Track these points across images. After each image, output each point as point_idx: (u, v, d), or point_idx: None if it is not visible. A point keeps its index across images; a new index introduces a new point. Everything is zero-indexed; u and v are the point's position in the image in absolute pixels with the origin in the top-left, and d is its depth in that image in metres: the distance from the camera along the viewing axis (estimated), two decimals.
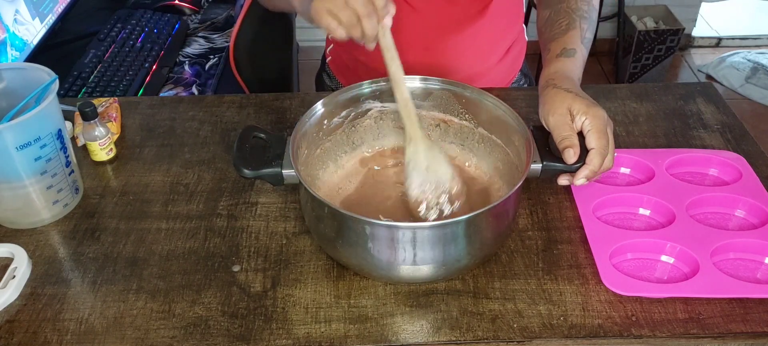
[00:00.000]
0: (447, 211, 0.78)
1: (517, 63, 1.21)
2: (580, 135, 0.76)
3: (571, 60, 0.84)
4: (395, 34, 0.75)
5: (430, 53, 1.08)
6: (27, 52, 1.26)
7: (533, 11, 2.62)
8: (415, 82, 0.85)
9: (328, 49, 1.23)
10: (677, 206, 0.83)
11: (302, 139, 0.79)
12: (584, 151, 0.75)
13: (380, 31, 0.74)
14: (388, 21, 0.74)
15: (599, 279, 0.75)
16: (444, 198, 0.79)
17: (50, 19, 1.38)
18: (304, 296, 0.73)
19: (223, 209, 0.85)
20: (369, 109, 0.86)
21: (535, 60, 2.76)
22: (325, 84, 1.26)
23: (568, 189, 0.87)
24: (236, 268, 0.77)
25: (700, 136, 0.98)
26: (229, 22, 1.59)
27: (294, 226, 0.82)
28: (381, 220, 0.72)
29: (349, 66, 1.18)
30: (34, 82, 0.80)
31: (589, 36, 0.89)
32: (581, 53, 0.86)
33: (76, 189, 0.86)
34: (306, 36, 2.75)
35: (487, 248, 0.73)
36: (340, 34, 0.73)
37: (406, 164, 0.79)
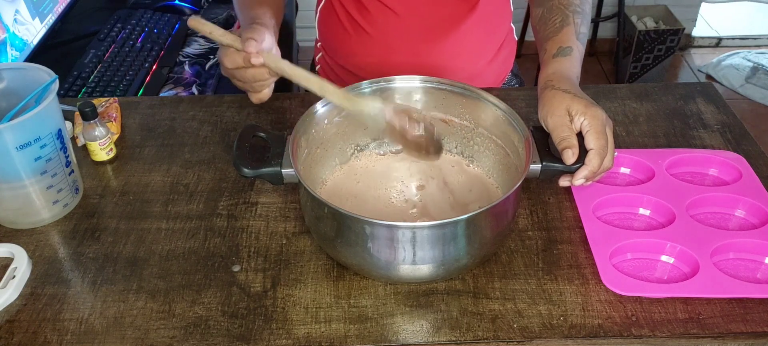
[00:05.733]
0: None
1: (507, 64, 1.21)
2: (580, 136, 0.76)
3: (568, 59, 0.84)
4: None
5: (420, 57, 1.08)
6: (27, 52, 1.26)
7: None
8: (415, 82, 0.85)
9: (318, 56, 1.24)
10: (677, 206, 0.83)
11: (302, 139, 0.79)
12: (584, 151, 0.75)
13: (266, 58, 0.79)
14: (251, 48, 0.78)
15: (599, 279, 0.75)
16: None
17: (50, 19, 1.38)
18: (304, 296, 0.73)
19: (223, 209, 0.85)
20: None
21: (526, 60, 2.74)
22: None
23: (568, 189, 0.87)
24: (236, 268, 0.77)
25: (700, 136, 0.98)
26: (229, 22, 1.59)
27: (294, 226, 0.82)
28: (380, 219, 0.72)
29: (337, 73, 1.19)
30: (34, 82, 0.80)
31: (584, 30, 0.89)
32: (577, 50, 0.85)
33: (76, 189, 0.86)
34: (306, 36, 2.74)
35: (486, 247, 0.73)
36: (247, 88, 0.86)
37: (361, 111, 0.78)
